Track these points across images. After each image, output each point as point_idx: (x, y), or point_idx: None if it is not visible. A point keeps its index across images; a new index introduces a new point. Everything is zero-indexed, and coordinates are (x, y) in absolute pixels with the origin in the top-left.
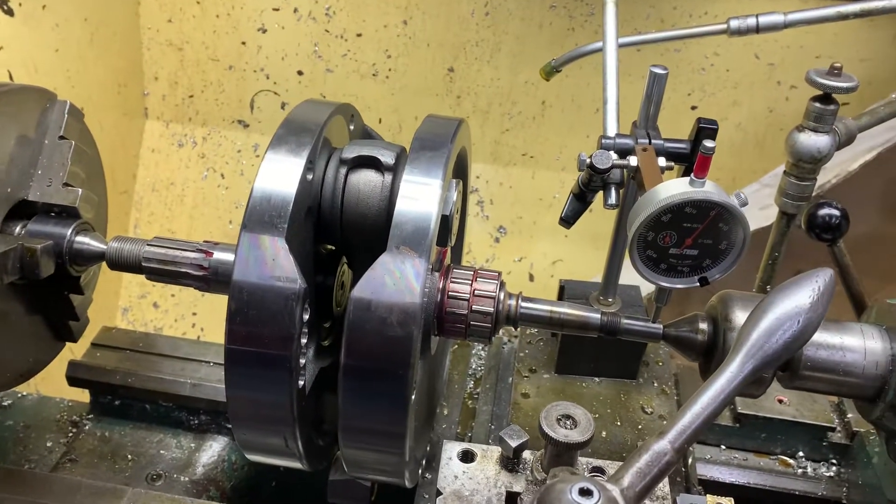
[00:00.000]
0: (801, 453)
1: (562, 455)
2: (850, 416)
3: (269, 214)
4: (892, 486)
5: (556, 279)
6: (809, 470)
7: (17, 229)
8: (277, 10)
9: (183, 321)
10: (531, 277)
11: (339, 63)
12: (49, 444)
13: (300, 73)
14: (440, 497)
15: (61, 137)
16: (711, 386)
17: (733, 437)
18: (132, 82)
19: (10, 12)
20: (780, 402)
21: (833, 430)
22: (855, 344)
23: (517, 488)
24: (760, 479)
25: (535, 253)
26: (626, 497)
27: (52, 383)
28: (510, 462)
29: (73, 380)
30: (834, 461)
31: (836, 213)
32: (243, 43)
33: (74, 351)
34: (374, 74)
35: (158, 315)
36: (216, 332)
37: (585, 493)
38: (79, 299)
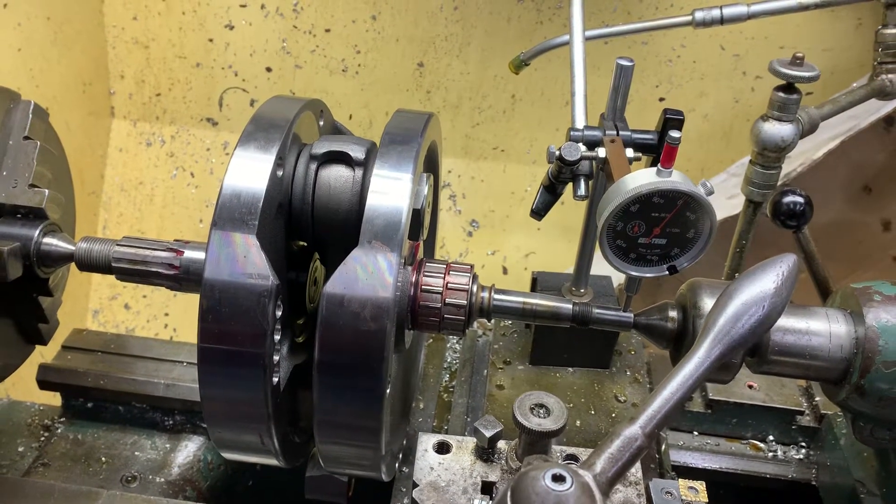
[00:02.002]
0: (771, 437)
1: (535, 444)
2: (817, 399)
3: (239, 211)
4: (858, 466)
5: (530, 271)
6: (780, 453)
7: None
8: (244, 6)
9: (155, 322)
10: (504, 270)
11: (308, 59)
12: (20, 449)
13: (269, 69)
14: (416, 489)
15: (26, 138)
16: (680, 371)
17: (705, 423)
18: (98, 81)
19: None
20: (751, 388)
21: (802, 413)
22: (820, 328)
23: (492, 477)
24: (732, 463)
25: (508, 246)
26: (599, 482)
27: (22, 387)
28: (485, 452)
29: (44, 383)
30: (803, 444)
31: (801, 200)
32: (210, 40)
33: (44, 354)
34: (343, 70)
35: (130, 316)
36: (189, 332)
37: (558, 479)
38: (48, 301)
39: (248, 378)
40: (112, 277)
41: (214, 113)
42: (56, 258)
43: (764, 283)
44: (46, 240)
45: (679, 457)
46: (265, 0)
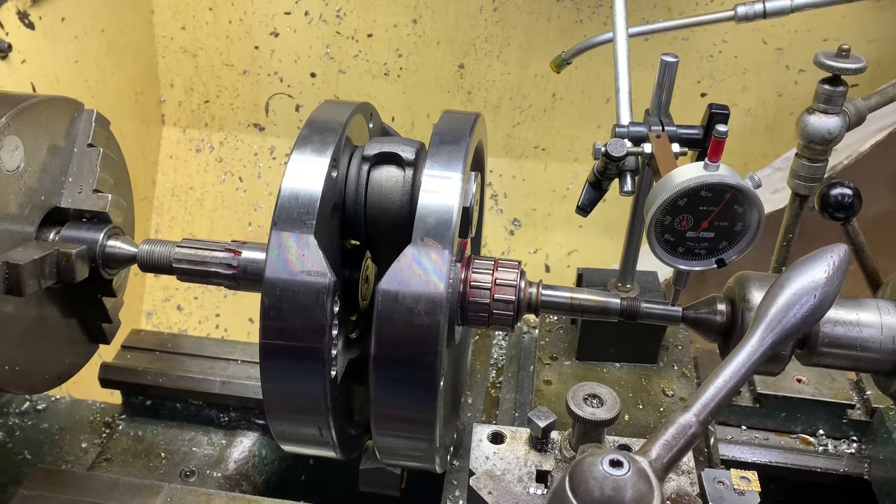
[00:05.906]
0: (821, 431)
1: (589, 433)
2: (868, 392)
3: (297, 212)
4: None
5: (572, 269)
6: (830, 447)
7: (52, 235)
8: (289, 13)
9: (207, 322)
10: (547, 268)
11: (352, 64)
12: (84, 445)
13: (313, 75)
14: (473, 477)
15: (89, 145)
16: (733, 360)
17: (754, 418)
18: (149, 90)
19: (31, 26)
20: (799, 382)
21: (852, 407)
22: (871, 319)
23: (547, 467)
24: (782, 457)
25: (551, 244)
26: (654, 468)
27: (82, 386)
28: (539, 442)
29: (106, 381)
30: (854, 438)
31: (849, 192)
32: (256, 47)
33: (102, 354)
34: (385, 74)
35: (182, 317)
36: (239, 332)
37: (616, 464)
38: (111, 302)
39: (309, 372)
40: (165, 279)
41: (261, 119)
42: (120, 260)
43: (815, 272)
44: (111, 242)
45: (728, 451)
46: (309, 7)
